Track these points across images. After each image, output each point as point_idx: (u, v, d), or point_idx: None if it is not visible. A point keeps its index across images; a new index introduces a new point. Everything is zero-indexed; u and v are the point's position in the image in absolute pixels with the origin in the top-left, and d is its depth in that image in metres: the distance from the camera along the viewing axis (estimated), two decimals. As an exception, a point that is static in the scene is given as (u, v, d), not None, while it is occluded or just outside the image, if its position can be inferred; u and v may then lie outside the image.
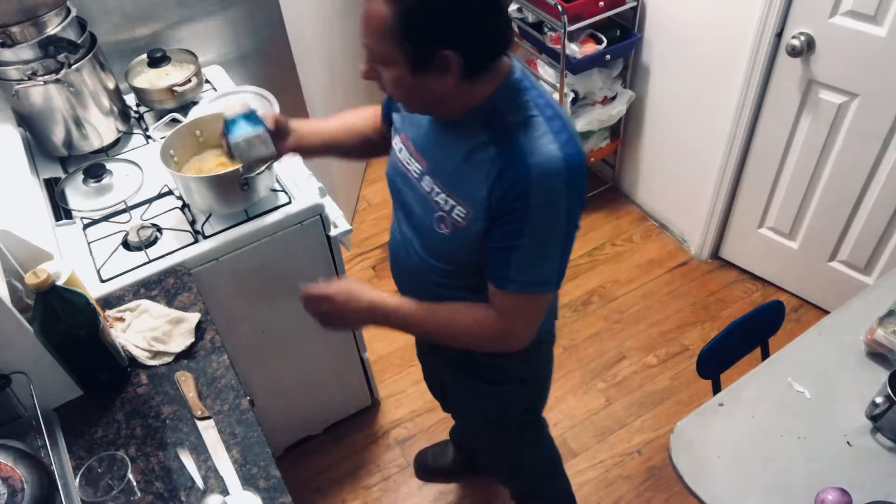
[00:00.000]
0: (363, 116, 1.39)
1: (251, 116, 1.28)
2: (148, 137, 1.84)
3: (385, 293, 1.21)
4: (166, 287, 1.48)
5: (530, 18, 2.54)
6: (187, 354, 1.37)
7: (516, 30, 2.66)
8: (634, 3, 2.40)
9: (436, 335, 1.22)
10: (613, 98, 2.61)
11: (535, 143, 0.99)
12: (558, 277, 1.09)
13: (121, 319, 1.40)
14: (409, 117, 1.15)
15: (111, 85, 1.76)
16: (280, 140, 1.32)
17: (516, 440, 1.61)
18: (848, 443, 1.30)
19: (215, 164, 1.64)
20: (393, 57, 0.95)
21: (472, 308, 1.14)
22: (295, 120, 1.36)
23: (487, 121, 1.02)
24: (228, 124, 1.28)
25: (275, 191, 1.64)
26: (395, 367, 2.44)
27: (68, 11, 1.64)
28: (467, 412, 1.65)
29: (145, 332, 1.37)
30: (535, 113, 1.01)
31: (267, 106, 1.83)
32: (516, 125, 1.00)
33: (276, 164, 1.56)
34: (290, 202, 1.62)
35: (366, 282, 2.70)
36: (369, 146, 1.40)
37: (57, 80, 1.59)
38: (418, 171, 1.13)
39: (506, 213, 1.01)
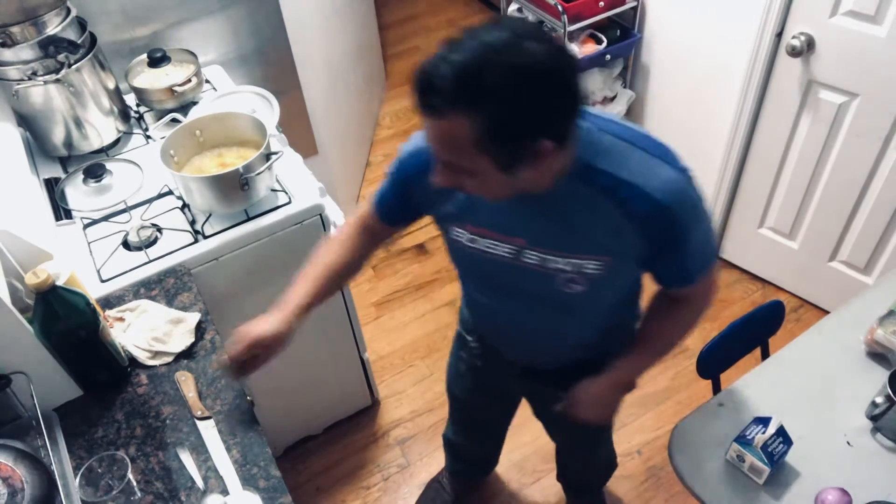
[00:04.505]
0: (341, 246, 1.26)
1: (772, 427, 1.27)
2: (148, 137, 1.84)
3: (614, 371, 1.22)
4: (166, 287, 1.48)
5: (530, 18, 2.53)
6: (187, 354, 1.37)
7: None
8: (634, 3, 2.40)
9: (665, 353, 1.24)
10: (613, 98, 2.61)
11: (643, 172, 0.98)
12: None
13: (121, 319, 1.40)
14: (471, 205, 1.08)
15: (111, 85, 1.76)
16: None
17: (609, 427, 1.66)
18: (848, 443, 1.30)
19: (215, 164, 1.64)
20: (481, 165, 0.91)
21: (671, 313, 1.19)
22: (288, 313, 1.25)
23: (583, 176, 0.99)
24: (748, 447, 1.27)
25: (275, 191, 1.64)
26: (395, 367, 2.44)
27: (68, 11, 1.64)
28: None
29: (145, 332, 1.37)
30: (621, 146, 0.99)
31: (267, 106, 1.83)
32: (614, 166, 0.98)
33: (275, 164, 1.56)
34: (289, 202, 1.62)
35: (365, 282, 2.70)
36: (357, 265, 1.30)
37: (57, 80, 1.59)
38: (513, 251, 1.09)
39: (663, 244, 1.01)
